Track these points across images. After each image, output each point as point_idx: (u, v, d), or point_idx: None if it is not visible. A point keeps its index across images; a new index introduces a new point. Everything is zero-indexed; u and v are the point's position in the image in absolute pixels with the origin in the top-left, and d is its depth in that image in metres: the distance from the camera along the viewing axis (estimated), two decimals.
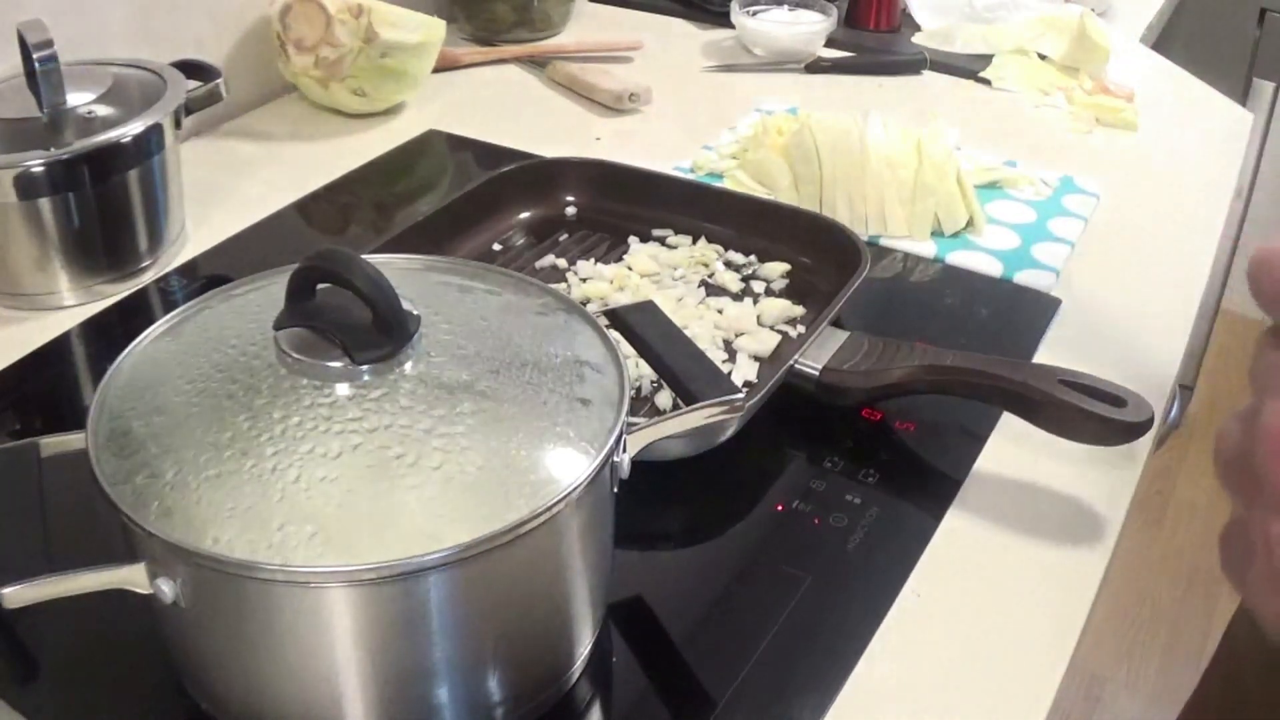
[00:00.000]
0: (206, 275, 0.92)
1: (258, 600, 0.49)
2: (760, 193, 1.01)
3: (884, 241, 0.97)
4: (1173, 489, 2.22)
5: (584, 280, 0.88)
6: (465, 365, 0.56)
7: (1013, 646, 0.62)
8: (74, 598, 0.49)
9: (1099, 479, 0.73)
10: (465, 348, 0.57)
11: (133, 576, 0.49)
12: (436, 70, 1.21)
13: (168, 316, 0.60)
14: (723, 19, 1.38)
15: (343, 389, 0.54)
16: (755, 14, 1.35)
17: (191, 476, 0.52)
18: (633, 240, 0.94)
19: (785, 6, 1.37)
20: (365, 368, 0.54)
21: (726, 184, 1.03)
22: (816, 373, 0.75)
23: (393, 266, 0.57)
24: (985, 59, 1.31)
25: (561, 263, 0.91)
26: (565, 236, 0.95)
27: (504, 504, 0.50)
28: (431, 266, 0.65)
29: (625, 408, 0.55)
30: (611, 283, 0.87)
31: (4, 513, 0.52)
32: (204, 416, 0.58)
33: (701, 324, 0.82)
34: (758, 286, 0.88)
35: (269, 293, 0.61)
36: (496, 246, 0.93)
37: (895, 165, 0.97)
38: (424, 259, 0.65)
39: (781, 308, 0.85)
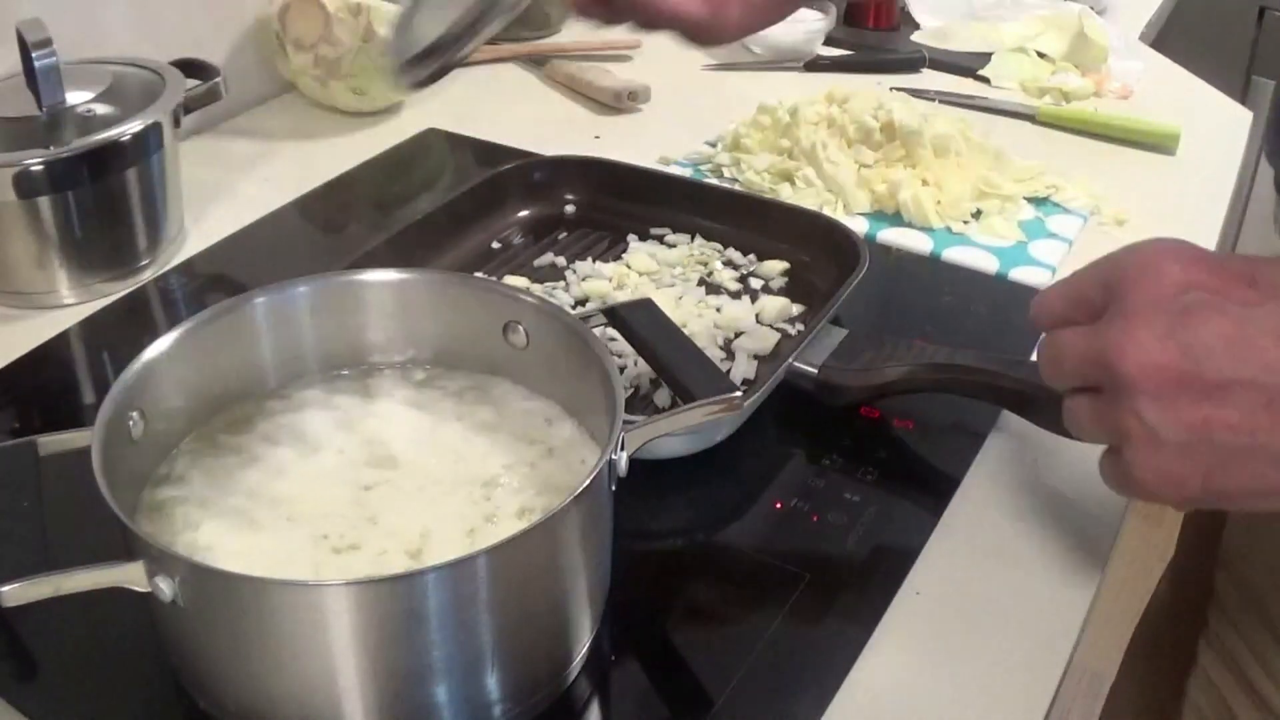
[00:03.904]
0: (205, 274, 0.92)
1: (256, 600, 0.49)
2: (761, 192, 1.01)
3: (881, 238, 0.97)
4: None
5: (583, 279, 0.88)
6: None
7: (1012, 645, 0.62)
8: (73, 596, 0.49)
9: (1099, 477, 0.73)
10: None
11: (131, 575, 0.49)
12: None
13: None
14: None
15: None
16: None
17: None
18: (632, 239, 0.94)
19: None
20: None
21: (725, 183, 1.03)
22: (815, 371, 0.75)
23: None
24: (984, 57, 1.31)
25: (560, 261, 0.91)
26: (564, 235, 0.95)
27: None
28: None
29: (620, 408, 0.55)
30: (611, 281, 0.87)
31: (3, 511, 0.52)
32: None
33: (700, 322, 0.82)
34: (756, 285, 0.88)
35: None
36: (495, 245, 0.93)
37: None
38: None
39: (780, 306, 0.85)
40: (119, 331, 0.86)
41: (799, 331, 0.83)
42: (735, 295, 0.87)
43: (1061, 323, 0.54)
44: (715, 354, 0.80)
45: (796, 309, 0.86)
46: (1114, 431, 0.51)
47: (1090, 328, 0.51)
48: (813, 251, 0.89)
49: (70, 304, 0.88)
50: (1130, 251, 0.52)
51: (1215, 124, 1.22)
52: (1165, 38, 1.58)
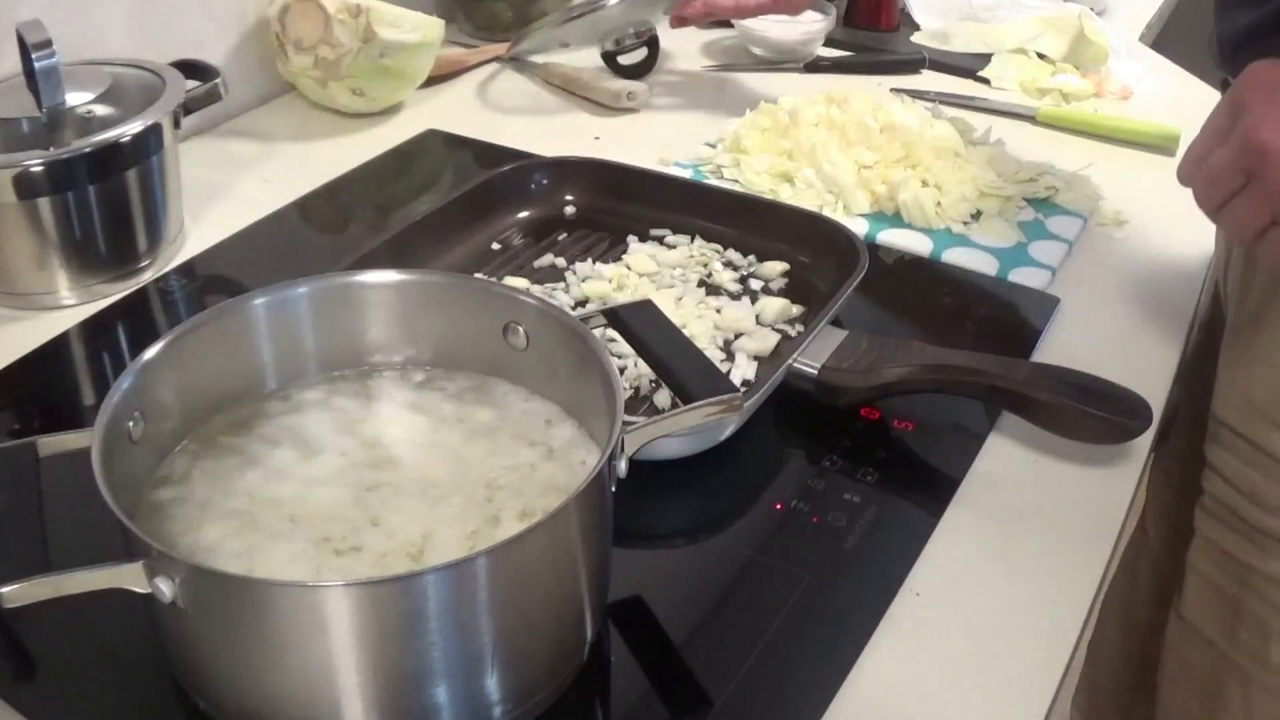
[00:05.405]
0: (205, 275, 0.92)
1: (256, 601, 0.49)
2: (761, 192, 1.01)
3: (881, 239, 0.97)
4: None
5: (583, 280, 0.88)
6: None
7: (1012, 645, 0.62)
8: (72, 597, 0.49)
9: (1098, 477, 0.74)
10: None
11: (131, 576, 0.49)
12: (443, 78, 1.22)
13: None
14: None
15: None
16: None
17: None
18: (631, 240, 0.94)
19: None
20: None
21: (725, 184, 1.03)
22: (815, 372, 0.75)
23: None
24: (984, 58, 1.31)
25: (560, 262, 0.91)
26: (564, 236, 0.95)
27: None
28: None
29: (620, 409, 0.55)
30: (610, 282, 0.87)
31: (3, 511, 0.52)
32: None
33: (700, 323, 0.82)
34: (756, 286, 0.88)
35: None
36: (495, 246, 0.93)
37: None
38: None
39: (780, 307, 0.85)
40: (119, 332, 0.86)
41: (799, 332, 0.83)
42: (735, 296, 0.87)
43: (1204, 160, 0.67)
44: (715, 355, 0.80)
45: (796, 310, 0.86)
46: (1268, 198, 0.64)
47: (1228, 139, 0.65)
48: (812, 252, 0.89)
49: (70, 305, 0.88)
50: (1237, 80, 0.66)
51: None
52: (1165, 38, 1.58)
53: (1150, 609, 1.01)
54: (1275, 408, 0.76)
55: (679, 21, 1.20)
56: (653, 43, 1.27)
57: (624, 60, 1.26)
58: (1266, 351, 0.77)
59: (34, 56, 0.84)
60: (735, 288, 0.88)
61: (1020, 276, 0.92)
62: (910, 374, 0.74)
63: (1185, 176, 0.69)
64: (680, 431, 0.65)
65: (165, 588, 0.49)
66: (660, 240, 0.94)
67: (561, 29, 1.21)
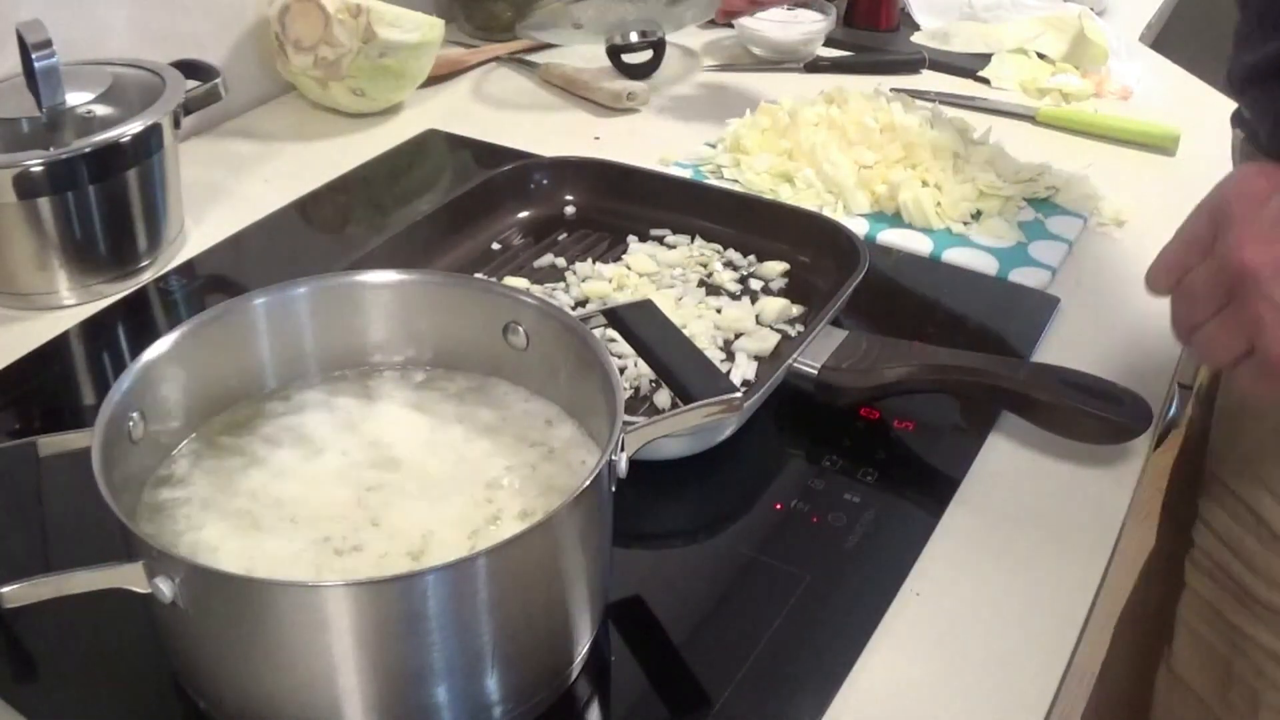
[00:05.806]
0: (205, 275, 0.92)
1: (256, 601, 0.49)
2: (761, 192, 1.01)
3: (881, 239, 0.97)
4: None
5: (583, 280, 0.88)
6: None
7: (1012, 646, 0.62)
8: (73, 597, 0.49)
9: (1098, 478, 0.74)
10: None
11: (131, 576, 0.49)
12: (443, 78, 1.21)
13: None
14: None
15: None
16: (754, 14, 1.35)
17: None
18: (631, 240, 0.94)
19: (784, 6, 1.36)
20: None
21: (725, 184, 1.04)
22: (815, 372, 0.75)
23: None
24: (984, 58, 1.31)
25: (560, 262, 0.91)
26: (564, 236, 0.95)
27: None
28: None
29: (620, 409, 0.55)
30: (610, 282, 0.87)
31: (3, 511, 0.52)
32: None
33: (700, 323, 0.82)
34: (756, 285, 0.88)
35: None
36: (495, 246, 0.93)
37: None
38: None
39: (780, 307, 0.85)
40: (119, 332, 0.86)
41: (799, 332, 0.83)
42: (735, 296, 0.87)
43: (1181, 272, 0.61)
44: (715, 355, 0.80)
45: (796, 310, 0.86)
46: (1247, 325, 0.58)
47: (1210, 257, 0.59)
48: (813, 252, 0.89)
49: (70, 305, 0.88)
50: (1220, 184, 0.61)
51: (1215, 124, 1.21)
52: (1165, 38, 1.58)
53: (1159, 632, 0.99)
54: (1273, 477, 0.73)
55: (725, 15, 1.20)
56: (659, 45, 1.27)
57: (628, 59, 1.26)
58: (1266, 409, 0.75)
59: (34, 56, 0.84)
60: (735, 288, 0.88)
61: (1020, 276, 0.92)
62: (910, 374, 0.74)
63: (1154, 281, 0.63)
64: (680, 431, 0.65)
65: (165, 588, 0.49)
66: (660, 240, 0.94)
67: (574, 6, 1.21)
